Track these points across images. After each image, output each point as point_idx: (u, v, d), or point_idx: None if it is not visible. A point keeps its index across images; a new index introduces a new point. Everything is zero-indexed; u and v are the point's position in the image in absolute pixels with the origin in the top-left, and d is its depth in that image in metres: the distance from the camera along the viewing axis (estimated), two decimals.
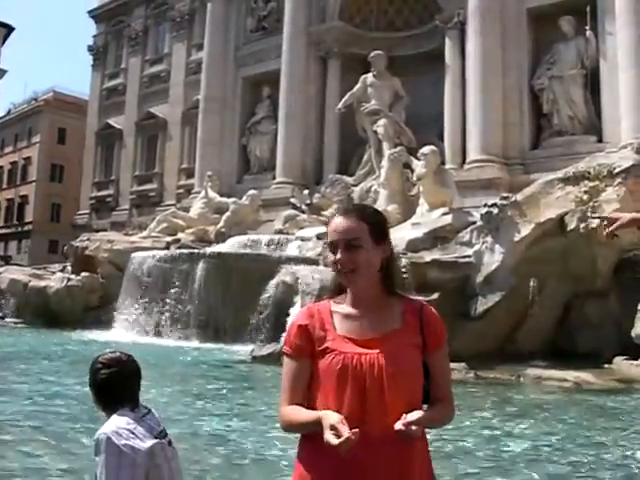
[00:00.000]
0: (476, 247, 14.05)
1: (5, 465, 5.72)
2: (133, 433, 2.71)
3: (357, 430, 2.13)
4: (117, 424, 2.73)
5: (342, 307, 2.48)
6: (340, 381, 2.31)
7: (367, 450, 2.24)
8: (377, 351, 2.33)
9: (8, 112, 65.89)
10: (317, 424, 2.22)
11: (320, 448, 2.22)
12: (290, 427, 2.40)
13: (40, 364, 12.24)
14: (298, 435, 2.44)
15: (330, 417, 2.20)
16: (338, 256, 2.39)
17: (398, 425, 2.21)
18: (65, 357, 13.22)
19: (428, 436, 2.47)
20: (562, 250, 13.68)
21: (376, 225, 2.45)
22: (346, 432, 2.12)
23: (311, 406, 2.36)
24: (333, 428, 2.15)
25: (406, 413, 2.24)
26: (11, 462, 5.80)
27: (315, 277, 14.26)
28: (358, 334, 2.39)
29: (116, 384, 2.85)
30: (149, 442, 2.72)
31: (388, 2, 27.04)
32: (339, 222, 2.42)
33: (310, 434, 2.33)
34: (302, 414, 2.35)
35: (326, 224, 2.54)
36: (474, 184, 20.13)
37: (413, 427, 2.20)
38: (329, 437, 2.14)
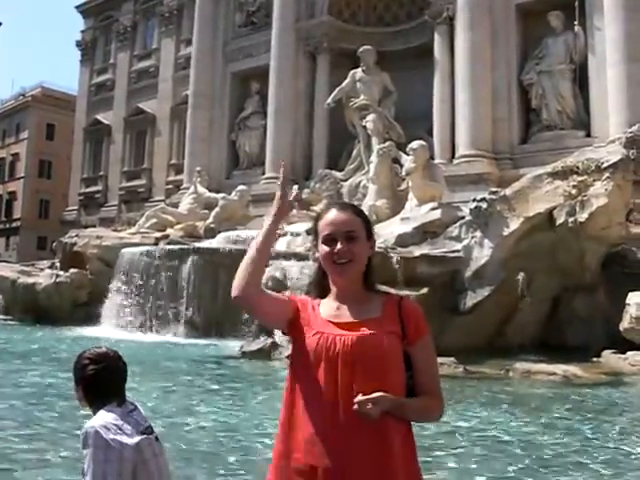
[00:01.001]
0: (465, 242, 14.08)
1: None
2: (120, 429, 2.71)
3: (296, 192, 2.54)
4: (105, 419, 2.73)
5: (326, 301, 2.57)
6: (315, 360, 2.38)
7: (339, 430, 2.29)
8: (353, 333, 2.40)
9: None
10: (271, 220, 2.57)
11: (297, 425, 2.36)
12: (239, 277, 2.57)
13: (27, 361, 12.18)
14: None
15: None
16: (338, 246, 2.47)
17: (355, 403, 2.25)
18: (53, 353, 13.16)
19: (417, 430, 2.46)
20: (551, 244, 13.73)
21: (367, 221, 2.58)
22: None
23: (293, 383, 2.44)
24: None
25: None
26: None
27: (304, 272, 14.26)
28: (339, 319, 2.47)
29: (104, 380, 2.85)
30: (136, 438, 2.72)
31: None
32: (337, 215, 2.52)
33: (287, 409, 2.42)
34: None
35: (316, 219, 2.60)
36: (463, 179, 20.20)
37: (369, 405, 2.23)
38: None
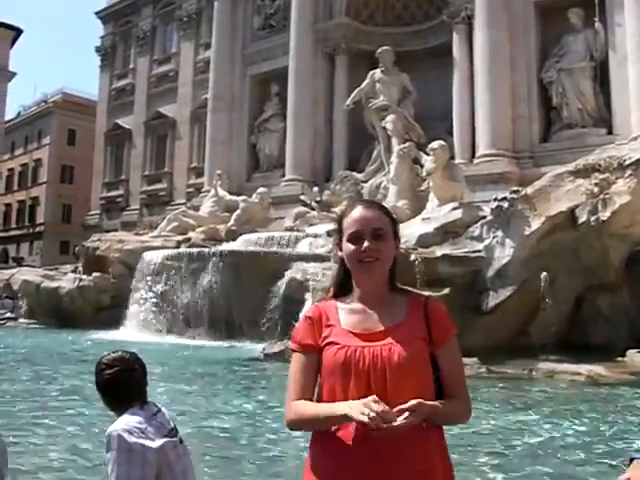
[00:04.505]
0: (487, 241, 14.01)
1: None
2: (144, 432, 2.72)
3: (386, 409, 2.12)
4: (128, 422, 2.74)
5: (347, 303, 2.47)
6: (344, 374, 2.29)
7: (374, 445, 2.21)
8: (380, 343, 2.31)
9: (18, 114, 66.11)
10: (341, 418, 2.19)
11: (329, 444, 2.25)
12: (299, 422, 2.34)
13: (52, 364, 12.29)
14: (307, 432, 2.42)
15: (356, 403, 2.16)
16: (365, 244, 2.37)
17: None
18: (76, 357, 13.27)
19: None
20: (573, 243, 13.63)
21: (394, 220, 2.49)
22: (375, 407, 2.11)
23: (318, 401, 2.35)
24: (363, 408, 2.12)
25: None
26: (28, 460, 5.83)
27: (326, 274, 14.25)
28: (362, 328, 2.38)
29: (121, 383, 2.87)
30: (160, 441, 2.73)
31: None
32: (364, 212, 2.42)
33: (321, 431, 2.31)
34: (319, 407, 2.30)
35: (340, 217, 2.50)
36: (484, 178, 20.10)
37: (406, 414, 2.15)
38: (362, 418, 2.11)
